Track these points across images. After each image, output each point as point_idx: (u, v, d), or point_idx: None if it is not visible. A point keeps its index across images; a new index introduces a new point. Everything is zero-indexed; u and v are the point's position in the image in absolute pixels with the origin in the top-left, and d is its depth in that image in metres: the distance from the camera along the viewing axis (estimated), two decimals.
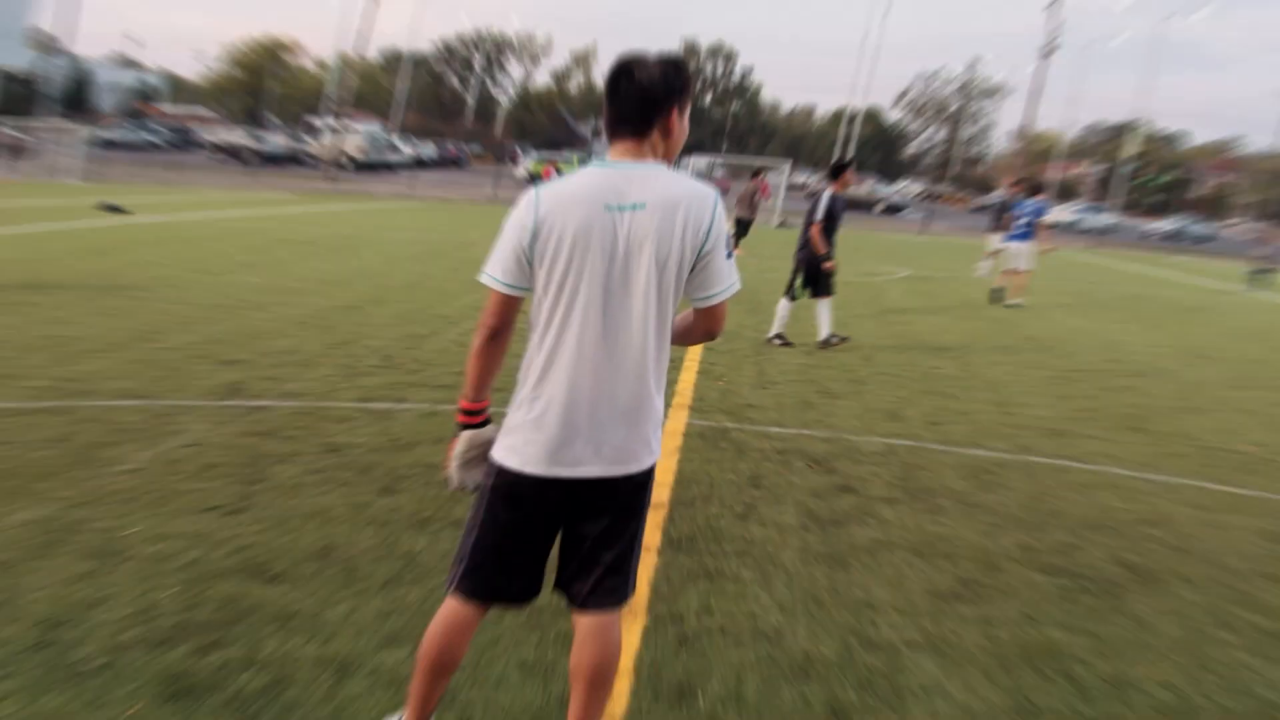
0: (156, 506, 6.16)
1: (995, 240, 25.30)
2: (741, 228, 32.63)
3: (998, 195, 27.40)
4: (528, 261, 3.39)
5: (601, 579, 3.56)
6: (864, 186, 74.79)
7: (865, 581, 5.78)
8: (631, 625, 4.97)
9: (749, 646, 4.89)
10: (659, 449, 3.56)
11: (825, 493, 7.33)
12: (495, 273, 3.45)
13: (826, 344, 13.54)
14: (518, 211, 3.41)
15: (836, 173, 13.87)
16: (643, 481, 3.54)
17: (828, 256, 13.45)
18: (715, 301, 3.47)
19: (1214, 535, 6.97)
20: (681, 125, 3.49)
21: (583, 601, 3.60)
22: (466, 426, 3.64)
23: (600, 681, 3.62)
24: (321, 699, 4.17)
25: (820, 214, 13.41)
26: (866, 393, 10.90)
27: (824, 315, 13.66)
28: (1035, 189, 24.20)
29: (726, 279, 3.44)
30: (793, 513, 6.87)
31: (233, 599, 4.99)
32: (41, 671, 4.23)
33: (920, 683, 4.67)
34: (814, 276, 13.65)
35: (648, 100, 3.39)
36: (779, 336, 13.82)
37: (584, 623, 3.61)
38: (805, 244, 13.64)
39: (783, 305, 13.88)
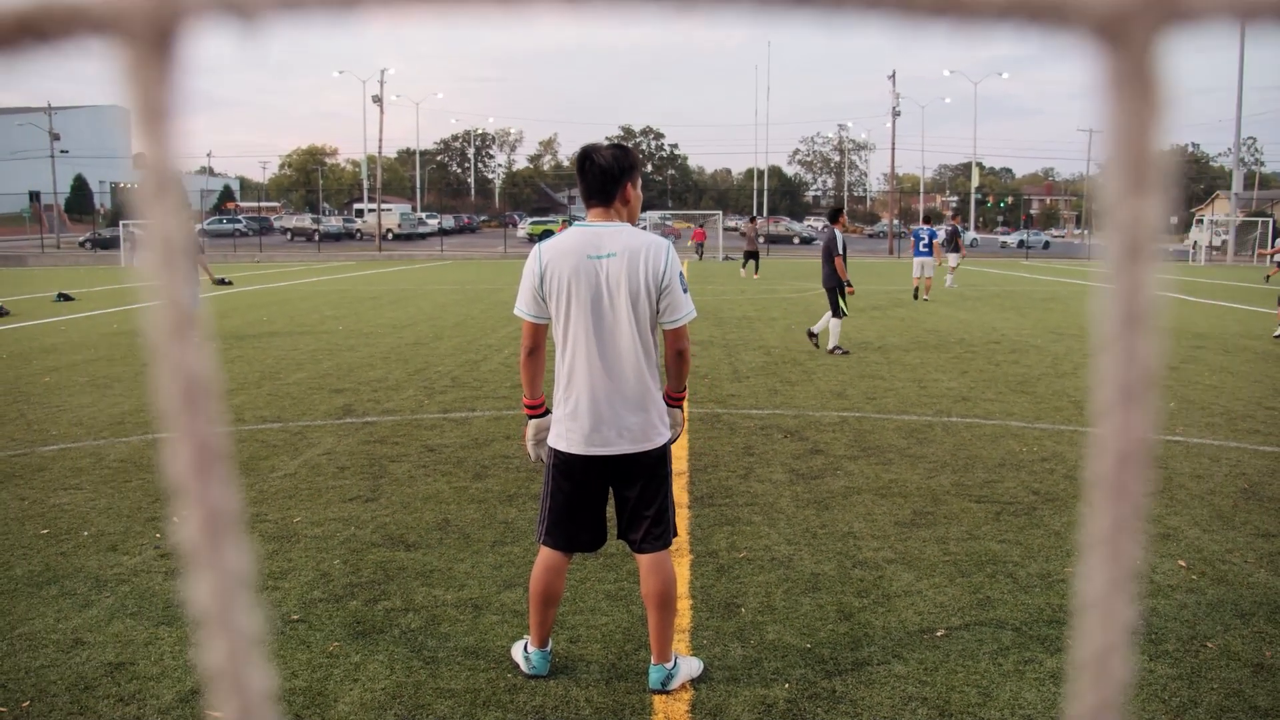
0: (311, 500, 6.26)
1: (953, 259, 26.57)
2: (751, 257, 33.28)
3: (948, 225, 28.49)
4: (542, 298, 3.64)
5: (649, 529, 3.73)
6: (780, 225, 74.97)
7: (845, 518, 5.91)
8: (681, 562, 5.10)
9: (770, 571, 5.02)
10: (667, 430, 3.75)
11: (802, 455, 7.47)
12: (522, 307, 3.72)
13: (833, 352, 13.09)
14: (529, 262, 3.68)
15: (835, 216, 13.57)
16: (660, 455, 3.72)
17: (848, 282, 13.14)
18: (678, 325, 3.68)
19: None
20: (636, 193, 3.73)
21: (638, 547, 3.76)
22: (532, 417, 3.88)
23: (665, 603, 3.76)
24: (466, 630, 4.29)
25: (839, 249, 13.04)
26: (816, 379, 11.03)
27: (834, 329, 13.17)
28: (925, 218, 24.69)
29: (684, 308, 3.67)
30: (781, 471, 7.00)
31: (384, 563, 5.10)
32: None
33: (901, 588, 4.80)
34: (832, 298, 13.15)
35: (607, 178, 3.63)
36: (838, 348, 13.12)
37: (644, 561, 3.77)
38: (832, 273, 13.05)
39: (834, 323, 13.12)
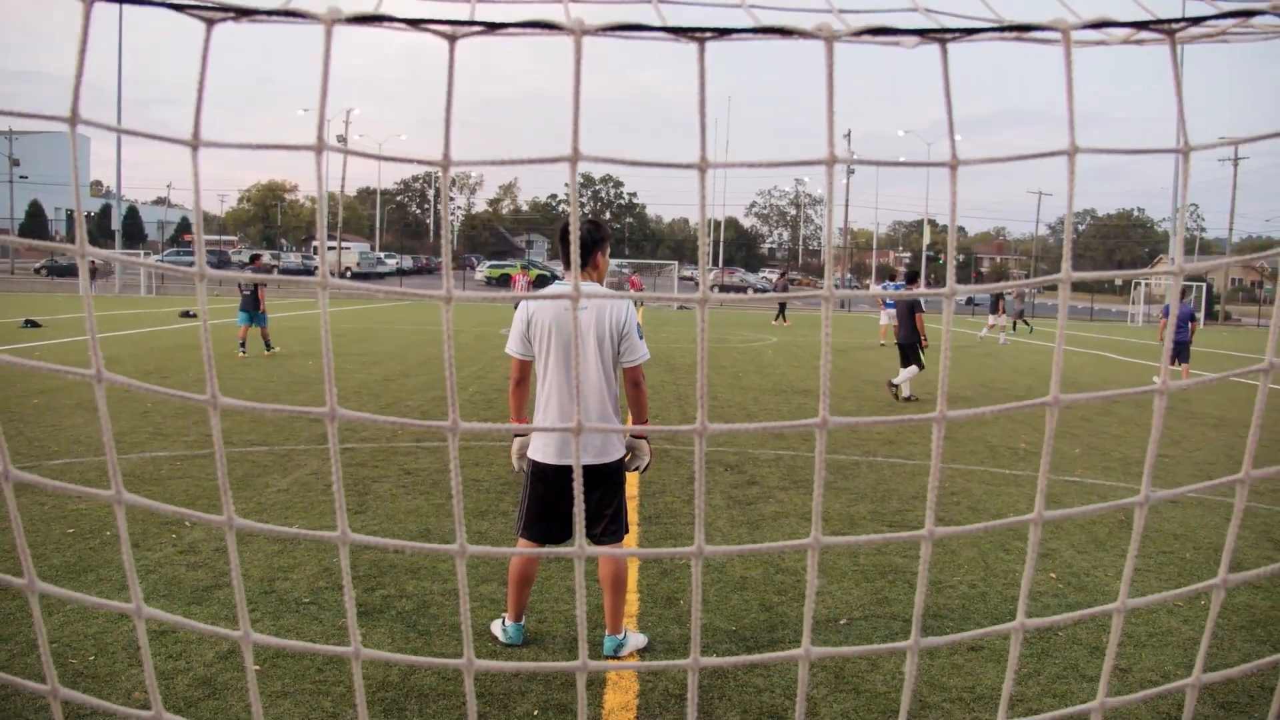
0: (306, 511, 7.08)
1: (992, 319, 30.14)
2: (782, 308, 36.06)
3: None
4: (528, 339, 4.64)
5: (607, 525, 4.66)
6: (735, 277, 76.61)
7: (773, 536, 6.84)
8: (631, 567, 5.99)
9: (706, 574, 5.92)
10: (624, 449, 4.70)
11: (740, 485, 8.40)
12: (513, 347, 4.71)
13: (907, 400, 14.43)
14: (518, 312, 4.69)
15: (913, 278, 15.21)
16: (617, 466, 4.67)
17: (924, 337, 14.48)
18: (635, 364, 4.66)
19: (998, 499, 8.13)
20: (605, 259, 4.75)
21: (598, 540, 4.67)
22: (516, 436, 4.72)
23: (618, 585, 4.68)
24: (452, 612, 5.15)
25: (921, 306, 14.40)
26: (758, 422, 11.96)
27: (908, 377, 14.51)
28: (890, 275, 26.68)
29: (640, 350, 4.67)
30: (720, 498, 7.92)
31: (377, 562, 5.95)
32: (274, 604, 5.17)
33: (815, 589, 5.73)
34: (910, 351, 14.50)
35: (582, 247, 4.64)
36: (911, 396, 14.54)
37: (601, 552, 4.68)
38: (913, 329, 14.41)
39: (906, 373, 14.48)
